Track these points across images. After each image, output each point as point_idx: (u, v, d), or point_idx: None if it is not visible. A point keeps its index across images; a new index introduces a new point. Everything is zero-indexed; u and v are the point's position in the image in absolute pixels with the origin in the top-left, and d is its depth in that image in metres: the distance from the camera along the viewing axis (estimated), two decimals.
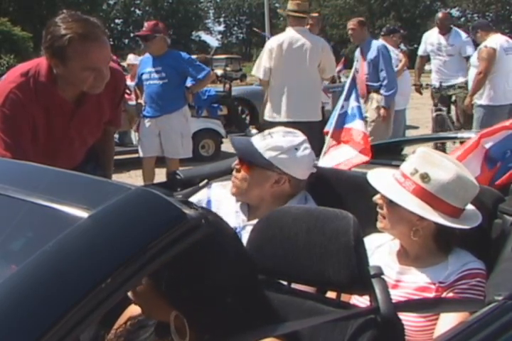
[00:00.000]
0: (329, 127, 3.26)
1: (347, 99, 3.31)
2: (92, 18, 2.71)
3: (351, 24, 7.43)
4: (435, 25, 8.52)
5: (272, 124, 5.57)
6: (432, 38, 8.37)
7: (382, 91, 7.08)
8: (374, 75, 7.15)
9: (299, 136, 2.46)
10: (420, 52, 8.62)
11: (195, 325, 1.38)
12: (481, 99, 7.33)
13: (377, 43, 7.32)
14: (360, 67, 7.35)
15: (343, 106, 3.29)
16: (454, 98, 8.39)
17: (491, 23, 7.86)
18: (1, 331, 0.99)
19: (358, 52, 7.61)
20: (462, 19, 56.56)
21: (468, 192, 2.03)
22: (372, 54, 7.16)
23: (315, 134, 4.93)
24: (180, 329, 1.38)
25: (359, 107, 3.30)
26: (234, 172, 2.46)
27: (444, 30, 8.24)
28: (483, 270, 1.98)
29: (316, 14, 7.38)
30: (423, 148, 2.13)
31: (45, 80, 2.73)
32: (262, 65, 6.21)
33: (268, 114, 6.26)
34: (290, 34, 6.17)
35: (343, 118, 3.25)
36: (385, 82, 7.06)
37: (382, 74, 7.05)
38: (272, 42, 6.21)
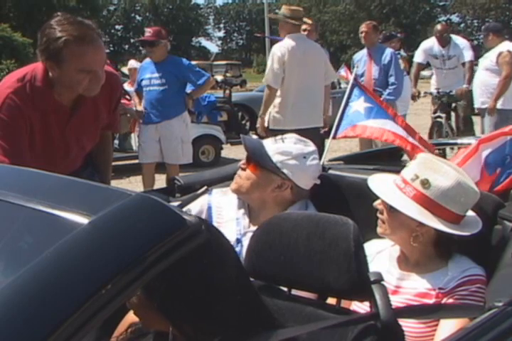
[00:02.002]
0: (337, 133, 3.22)
1: (352, 100, 3.26)
2: (86, 20, 2.72)
3: (364, 27, 7.48)
4: (434, 36, 8.48)
5: (278, 132, 5.54)
6: (433, 51, 8.30)
7: (385, 93, 7.09)
8: (383, 81, 7.19)
9: (310, 146, 2.48)
10: (418, 59, 8.52)
11: (192, 337, 1.37)
12: (497, 104, 7.34)
13: (390, 50, 7.40)
14: (367, 71, 7.37)
15: (350, 107, 3.23)
16: (454, 105, 8.39)
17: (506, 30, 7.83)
18: None
19: (362, 56, 7.62)
20: (462, 25, 56.73)
21: (468, 199, 2.03)
22: (385, 59, 7.21)
23: (317, 139, 4.92)
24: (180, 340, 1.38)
25: (372, 108, 3.21)
26: (239, 171, 2.47)
27: (444, 43, 8.22)
28: (483, 276, 1.98)
29: (309, 21, 7.36)
30: (424, 154, 2.14)
31: (41, 85, 2.73)
32: (275, 74, 6.01)
33: (274, 123, 6.11)
34: (291, 43, 6.07)
35: (355, 116, 3.19)
36: (393, 87, 7.10)
37: (392, 79, 7.10)
38: (278, 51, 6.05)
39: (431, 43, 8.40)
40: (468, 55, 8.08)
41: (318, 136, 5.48)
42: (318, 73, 6.13)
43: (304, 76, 6.02)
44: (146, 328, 1.49)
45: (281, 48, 6.08)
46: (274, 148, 2.43)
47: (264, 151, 2.42)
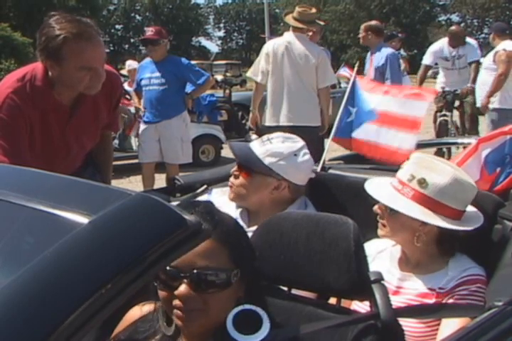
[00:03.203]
0: (336, 135, 3.20)
1: (352, 104, 3.23)
2: (84, 18, 2.72)
3: (360, 29, 7.51)
4: (446, 36, 8.43)
5: (271, 129, 5.65)
6: (444, 52, 8.30)
7: None
8: (378, 81, 7.16)
9: (298, 142, 2.47)
10: (427, 62, 8.52)
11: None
12: (494, 103, 7.34)
13: (387, 51, 7.28)
14: (369, 70, 7.37)
15: (350, 114, 3.21)
16: (457, 103, 8.39)
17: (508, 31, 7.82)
18: None
19: (368, 57, 7.63)
20: (462, 24, 56.75)
21: (467, 194, 2.03)
22: (380, 61, 7.16)
23: (314, 139, 4.95)
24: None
25: (358, 113, 3.19)
26: (232, 179, 2.46)
27: (457, 43, 8.20)
28: (483, 276, 1.98)
29: (322, 23, 7.31)
30: (417, 153, 2.14)
31: (41, 84, 2.73)
32: (259, 68, 6.13)
33: (266, 119, 6.20)
34: (287, 39, 6.10)
35: (350, 126, 3.18)
36: None
37: (388, 82, 6.99)
38: (269, 46, 6.14)
39: (440, 45, 8.40)
40: (475, 54, 8.11)
41: (313, 136, 5.56)
42: (306, 71, 6.01)
43: (289, 73, 6.00)
44: (188, 327, 1.47)
45: (269, 45, 6.16)
46: (263, 150, 2.41)
47: (255, 156, 2.40)
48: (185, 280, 1.37)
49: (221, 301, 1.40)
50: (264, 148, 2.42)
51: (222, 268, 1.39)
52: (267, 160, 2.39)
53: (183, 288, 1.36)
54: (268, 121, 6.13)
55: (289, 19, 6.15)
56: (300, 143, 2.47)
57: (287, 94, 6.01)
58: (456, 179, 1.99)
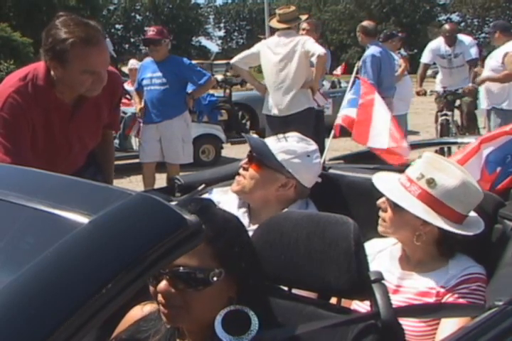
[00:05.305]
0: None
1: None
2: (91, 21, 2.73)
3: None
4: (440, 35, 8.42)
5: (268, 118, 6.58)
6: (441, 51, 8.30)
7: None
8: None
9: (312, 144, 2.50)
10: (425, 60, 8.51)
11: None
12: (503, 104, 7.30)
13: (368, 51, 7.32)
14: None
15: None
16: (458, 103, 8.38)
17: None
18: None
19: None
20: (462, 24, 56.74)
21: (472, 199, 2.03)
22: (361, 62, 7.20)
23: (307, 123, 5.92)
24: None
25: (354, 99, 3.21)
26: (241, 171, 2.46)
27: (451, 42, 8.20)
28: (484, 274, 1.98)
29: (304, 17, 7.37)
30: (429, 153, 2.13)
31: (43, 83, 2.74)
32: (243, 59, 6.62)
33: (264, 109, 6.69)
34: (275, 40, 6.53)
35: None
36: None
37: None
38: (261, 45, 6.60)
39: (438, 43, 8.40)
40: (472, 52, 8.09)
41: (307, 119, 6.20)
42: (292, 64, 6.35)
43: (274, 68, 6.43)
44: (171, 324, 1.47)
45: (261, 43, 6.67)
46: (278, 147, 2.43)
47: (269, 150, 2.42)
48: (166, 277, 1.37)
49: (203, 300, 1.40)
50: (279, 144, 2.44)
51: (201, 267, 1.38)
52: (280, 156, 2.41)
53: (162, 284, 1.38)
54: (265, 111, 6.63)
55: (274, 23, 6.57)
56: (314, 146, 2.50)
57: (274, 89, 6.47)
58: (465, 183, 1.99)
